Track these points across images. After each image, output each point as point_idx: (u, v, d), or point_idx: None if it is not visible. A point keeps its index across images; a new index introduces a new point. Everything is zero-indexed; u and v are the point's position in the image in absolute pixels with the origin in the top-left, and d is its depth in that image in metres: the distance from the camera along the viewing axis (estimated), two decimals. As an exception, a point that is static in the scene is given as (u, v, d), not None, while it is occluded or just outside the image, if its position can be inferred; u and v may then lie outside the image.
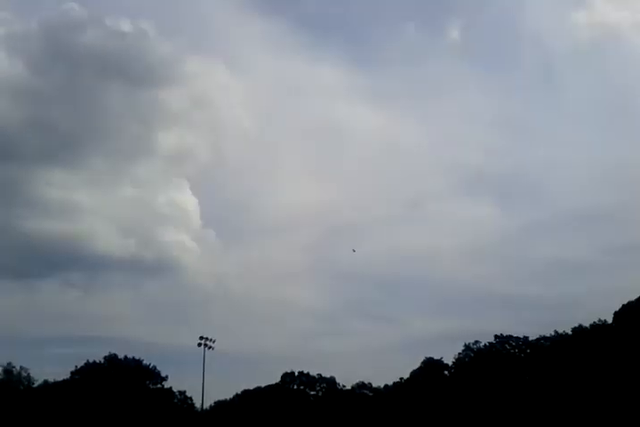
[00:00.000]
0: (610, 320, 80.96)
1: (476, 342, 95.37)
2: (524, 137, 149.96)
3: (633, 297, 78.44)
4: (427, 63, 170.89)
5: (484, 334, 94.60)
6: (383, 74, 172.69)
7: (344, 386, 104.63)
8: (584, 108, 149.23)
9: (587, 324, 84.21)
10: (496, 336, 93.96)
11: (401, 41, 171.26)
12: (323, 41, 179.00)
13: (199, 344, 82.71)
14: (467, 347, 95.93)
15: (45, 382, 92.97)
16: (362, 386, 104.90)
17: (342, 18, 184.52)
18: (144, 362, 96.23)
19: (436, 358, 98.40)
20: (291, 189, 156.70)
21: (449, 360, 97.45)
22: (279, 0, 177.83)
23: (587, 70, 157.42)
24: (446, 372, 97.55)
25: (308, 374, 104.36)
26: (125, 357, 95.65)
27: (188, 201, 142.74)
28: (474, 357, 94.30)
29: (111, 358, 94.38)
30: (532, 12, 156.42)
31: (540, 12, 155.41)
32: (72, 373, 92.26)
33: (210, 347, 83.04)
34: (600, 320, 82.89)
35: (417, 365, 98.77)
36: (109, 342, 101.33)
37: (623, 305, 79.02)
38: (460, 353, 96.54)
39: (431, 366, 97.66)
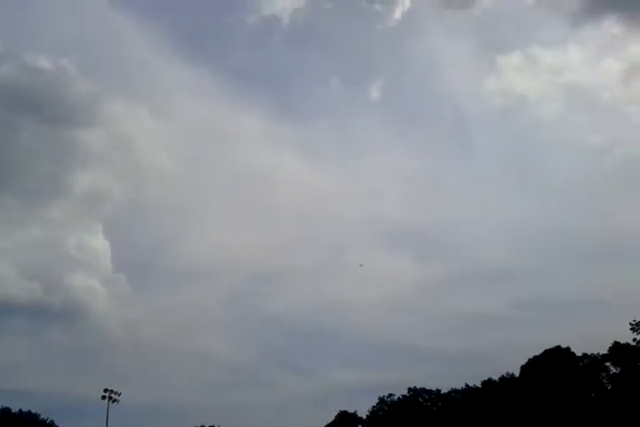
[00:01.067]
0: (517, 374, 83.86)
1: (390, 394, 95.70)
2: (441, 194, 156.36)
3: (538, 351, 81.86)
4: (350, 117, 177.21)
5: (399, 386, 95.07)
6: (308, 125, 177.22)
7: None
8: (495, 170, 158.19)
9: (495, 377, 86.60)
10: (409, 389, 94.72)
11: (325, 94, 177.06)
12: (249, 90, 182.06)
13: (103, 397, 78.30)
14: (381, 400, 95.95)
15: None
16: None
17: (269, 68, 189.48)
18: (41, 416, 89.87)
19: (350, 411, 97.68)
20: (210, 235, 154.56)
21: (363, 413, 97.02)
22: (206, 49, 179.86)
23: (498, 134, 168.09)
24: (360, 426, 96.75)
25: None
26: (20, 411, 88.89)
27: (100, 244, 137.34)
28: (388, 410, 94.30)
29: (3, 413, 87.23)
30: (448, 76, 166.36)
31: (455, 76, 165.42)
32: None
33: (115, 400, 78.76)
34: (508, 374, 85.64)
35: (331, 418, 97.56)
36: (4, 395, 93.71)
37: (529, 359, 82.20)
38: (374, 406, 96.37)
39: (345, 420, 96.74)
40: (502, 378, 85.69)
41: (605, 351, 78.83)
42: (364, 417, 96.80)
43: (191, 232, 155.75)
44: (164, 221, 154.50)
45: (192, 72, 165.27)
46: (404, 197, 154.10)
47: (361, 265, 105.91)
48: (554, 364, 78.38)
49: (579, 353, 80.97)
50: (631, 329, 77.28)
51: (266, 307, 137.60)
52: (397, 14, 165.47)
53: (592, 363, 79.63)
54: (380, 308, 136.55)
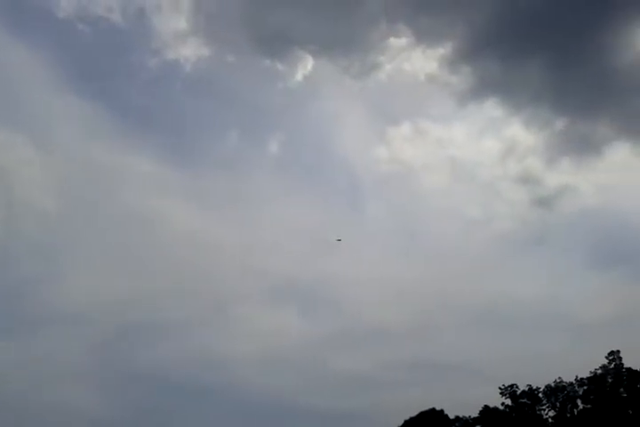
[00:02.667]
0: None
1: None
2: (329, 251, 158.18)
3: (414, 412, 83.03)
4: (246, 169, 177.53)
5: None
6: (202, 174, 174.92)
7: None
8: (383, 232, 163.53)
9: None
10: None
11: (223, 145, 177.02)
12: (144, 132, 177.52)
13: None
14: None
15: None
16: None
17: (167, 113, 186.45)
18: None
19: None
20: (84, 280, 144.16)
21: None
22: (103, 85, 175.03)
23: (387, 198, 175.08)
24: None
25: None
26: None
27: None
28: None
29: None
30: (343, 139, 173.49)
31: (350, 140, 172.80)
32: None
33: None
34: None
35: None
36: None
37: (405, 420, 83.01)
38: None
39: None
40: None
41: (476, 414, 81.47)
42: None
43: (62, 276, 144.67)
44: (31, 262, 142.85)
45: (85, 107, 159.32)
46: (293, 252, 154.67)
47: (339, 240, 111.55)
48: (428, 426, 79.59)
49: (451, 415, 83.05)
50: (500, 393, 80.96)
51: (136, 360, 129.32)
52: (299, 76, 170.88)
53: (464, 426, 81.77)
54: (259, 364, 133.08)
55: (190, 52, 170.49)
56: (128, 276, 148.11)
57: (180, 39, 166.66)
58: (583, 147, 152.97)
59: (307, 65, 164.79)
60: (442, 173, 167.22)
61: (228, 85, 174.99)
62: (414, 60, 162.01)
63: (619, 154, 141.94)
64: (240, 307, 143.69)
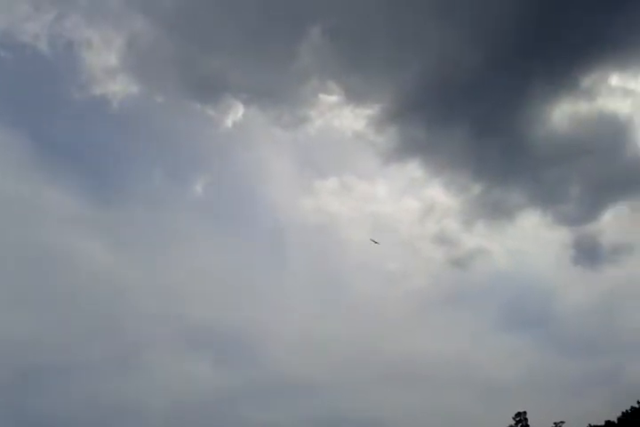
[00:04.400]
0: None
1: None
2: (251, 299, 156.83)
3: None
4: (169, 212, 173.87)
5: None
6: (123, 212, 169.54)
7: None
8: (305, 283, 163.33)
9: None
10: None
11: (147, 185, 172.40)
12: (64, 166, 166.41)
13: None
14: None
15: None
16: None
17: (90, 148, 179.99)
18: None
19: None
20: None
21: None
22: (23, 117, 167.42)
23: (310, 249, 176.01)
24: None
25: None
26: None
27: None
28: None
29: None
30: (270, 187, 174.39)
31: (277, 188, 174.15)
32: None
33: None
34: None
35: None
36: None
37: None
38: None
39: None
40: None
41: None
42: None
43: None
44: None
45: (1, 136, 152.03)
46: (211, 297, 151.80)
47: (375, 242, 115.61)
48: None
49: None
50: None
51: (35, 407, 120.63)
52: (229, 122, 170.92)
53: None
54: (169, 414, 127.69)
55: (119, 88, 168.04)
56: (34, 316, 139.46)
57: (110, 75, 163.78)
58: (497, 212, 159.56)
59: (237, 112, 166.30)
60: (364, 228, 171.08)
61: (156, 125, 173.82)
62: (343, 117, 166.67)
63: (529, 221, 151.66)
64: (153, 353, 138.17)
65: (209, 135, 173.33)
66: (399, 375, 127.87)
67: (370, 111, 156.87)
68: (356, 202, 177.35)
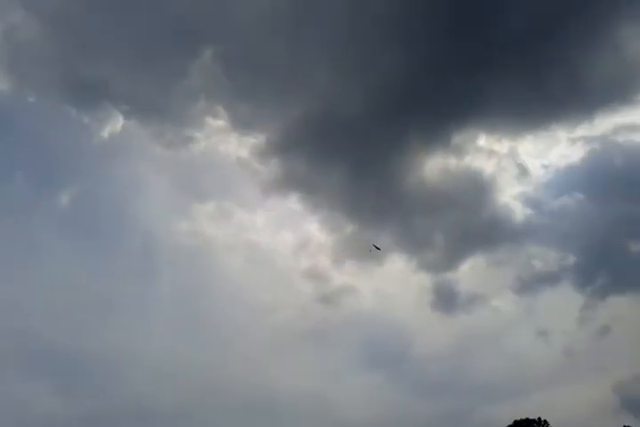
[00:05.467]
0: None
1: None
2: (106, 321, 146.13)
3: None
4: (29, 221, 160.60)
5: None
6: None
7: None
8: (171, 307, 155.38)
9: None
10: None
11: (7, 191, 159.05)
12: None
13: None
14: None
15: None
16: None
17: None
18: None
19: None
20: None
21: None
22: None
23: (181, 271, 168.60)
24: None
25: None
26: None
27: None
28: None
29: None
30: (144, 206, 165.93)
31: (151, 208, 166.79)
32: None
33: None
34: None
35: None
36: None
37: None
38: None
39: None
40: None
41: None
42: None
43: None
44: None
45: None
46: (65, 316, 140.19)
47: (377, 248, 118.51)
48: None
49: None
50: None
51: None
52: (105, 132, 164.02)
53: None
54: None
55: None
56: None
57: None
58: (367, 253, 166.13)
59: (116, 123, 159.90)
60: (239, 256, 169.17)
61: (23, 126, 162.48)
62: (228, 143, 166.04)
63: (396, 264, 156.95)
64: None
65: (82, 144, 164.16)
66: (255, 409, 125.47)
67: (254, 140, 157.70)
68: (233, 229, 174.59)
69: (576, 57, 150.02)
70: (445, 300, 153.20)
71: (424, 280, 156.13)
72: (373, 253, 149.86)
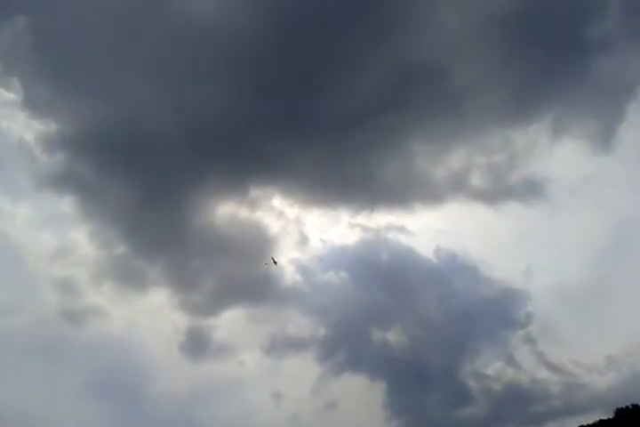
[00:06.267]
0: None
1: None
2: None
3: None
4: None
5: None
6: None
7: None
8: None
9: None
10: None
11: None
12: None
13: None
14: None
15: None
16: None
17: None
18: None
19: None
20: None
21: None
22: None
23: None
24: None
25: None
26: None
27: None
28: None
29: None
30: None
31: None
32: None
33: None
34: None
35: None
36: None
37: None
38: None
39: None
40: None
41: None
42: None
43: None
44: None
45: None
46: None
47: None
48: None
49: None
50: None
51: None
52: None
53: None
54: None
55: None
56: None
57: None
58: (130, 278, 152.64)
59: None
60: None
61: None
62: (14, 120, 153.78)
63: (158, 297, 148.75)
64: None
65: None
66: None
67: (44, 127, 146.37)
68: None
69: (372, 156, 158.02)
70: (196, 344, 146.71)
71: (181, 320, 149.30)
72: (139, 280, 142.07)
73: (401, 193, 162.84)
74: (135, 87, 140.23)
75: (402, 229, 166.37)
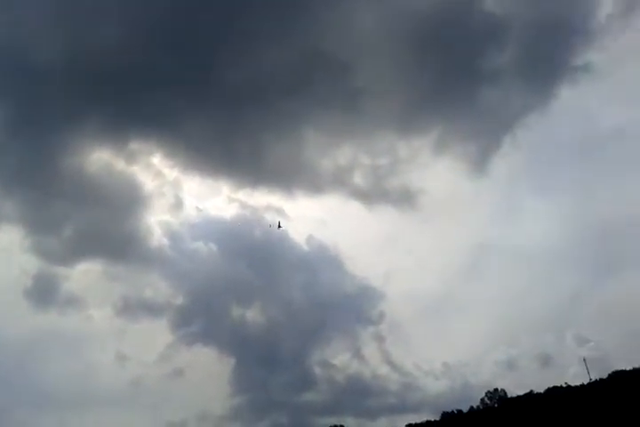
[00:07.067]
0: None
1: None
2: None
3: None
4: None
5: None
6: None
7: None
8: None
9: None
10: None
11: None
12: None
13: None
14: None
15: None
16: None
17: None
18: None
19: None
20: None
21: None
22: None
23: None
24: None
25: None
26: None
27: None
28: None
29: None
30: None
31: None
32: None
33: None
34: None
35: None
36: None
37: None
38: None
39: None
40: None
41: None
42: None
43: None
44: None
45: None
46: None
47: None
48: None
49: None
50: None
51: None
52: None
53: None
54: None
55: None
56: None
57: None
58: None
59: None
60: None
61: None
62: None
63: (7, 235, 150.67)
64: None
65: None
66: None
67: None
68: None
69: (263, 135, 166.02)
70: (44, 292, 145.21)
71: (30, 264, 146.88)
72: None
73: (285, 177, 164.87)
74: (30, 12, 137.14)
75: (280, 211, 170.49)
